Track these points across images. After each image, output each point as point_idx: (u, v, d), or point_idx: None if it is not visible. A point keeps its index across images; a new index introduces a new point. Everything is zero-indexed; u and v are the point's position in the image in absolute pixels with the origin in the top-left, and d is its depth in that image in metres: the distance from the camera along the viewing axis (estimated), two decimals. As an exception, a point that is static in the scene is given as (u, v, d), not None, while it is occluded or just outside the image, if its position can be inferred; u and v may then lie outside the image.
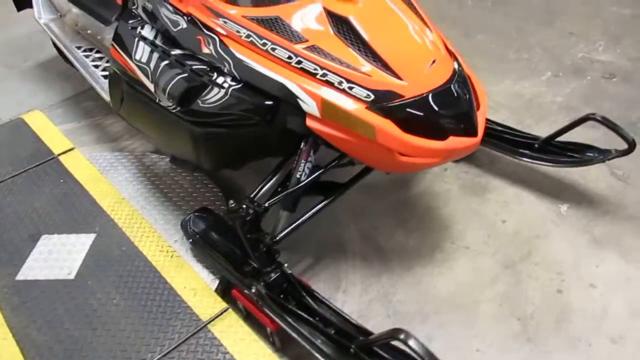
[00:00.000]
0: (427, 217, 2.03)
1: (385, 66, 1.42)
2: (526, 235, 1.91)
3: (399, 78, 1.42)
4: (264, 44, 1.45)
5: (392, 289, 1.76)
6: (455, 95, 1.46)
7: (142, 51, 1.63)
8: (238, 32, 1.46)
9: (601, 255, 1.80)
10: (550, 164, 1.98)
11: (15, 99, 2.96)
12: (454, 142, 1.46)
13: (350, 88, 1.41)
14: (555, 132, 1.95)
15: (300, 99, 1.43)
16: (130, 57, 1.67)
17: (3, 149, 2.45)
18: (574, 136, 1.97)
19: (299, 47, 1.43)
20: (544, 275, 1.76)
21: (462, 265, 1.82)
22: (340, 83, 1.41)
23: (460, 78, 1.50)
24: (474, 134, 1.49)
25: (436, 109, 1.43)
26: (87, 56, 2.46)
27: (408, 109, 1.42)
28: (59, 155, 2.38)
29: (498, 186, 2.14)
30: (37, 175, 2.28)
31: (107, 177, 2.26)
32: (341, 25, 1.46)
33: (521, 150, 2.03)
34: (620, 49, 2.93)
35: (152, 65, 1.61)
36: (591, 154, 1.89)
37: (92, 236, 1.96)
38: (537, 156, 1.99)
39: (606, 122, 1.79)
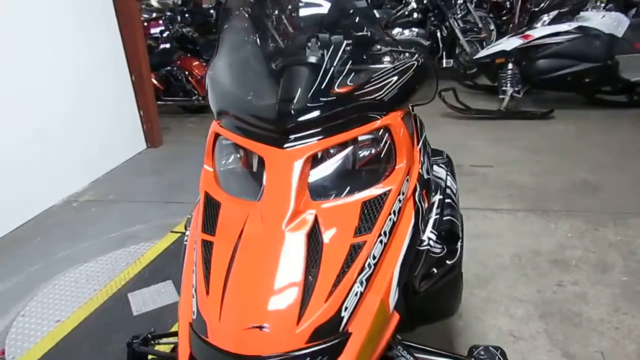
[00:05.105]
0: None
1: (221, 296, 1.28)
2: None
3: (219, 318, 1.25)
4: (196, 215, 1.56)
5: None
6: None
7: None
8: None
9: None
10: None
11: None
12: None
13: (193, 296, 1.35)
14: None
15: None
16: None
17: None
18: None
19: (201, 237, 1.46)
20: None
21: None
22: (192, 287, 1.37)
23: None
24: None
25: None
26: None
27: (198, 348, 1.25)
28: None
29: None
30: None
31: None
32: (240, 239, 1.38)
33: None
34: None
35: None
36: None
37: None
38: None
39: None
